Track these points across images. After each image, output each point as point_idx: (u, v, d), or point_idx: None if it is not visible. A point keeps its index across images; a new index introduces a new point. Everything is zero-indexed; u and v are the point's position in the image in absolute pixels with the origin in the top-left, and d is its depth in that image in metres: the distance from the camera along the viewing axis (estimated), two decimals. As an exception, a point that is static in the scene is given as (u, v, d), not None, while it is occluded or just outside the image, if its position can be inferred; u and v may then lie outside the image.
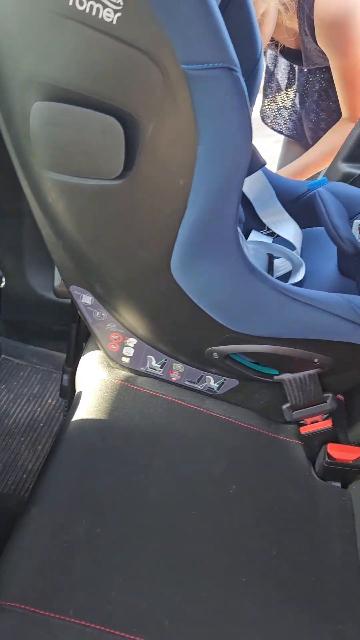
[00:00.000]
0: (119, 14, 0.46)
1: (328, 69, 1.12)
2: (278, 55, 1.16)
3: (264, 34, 1.01)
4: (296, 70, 1.18)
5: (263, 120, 1.35)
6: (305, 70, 1.14)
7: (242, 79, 0.48)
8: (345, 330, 0.62)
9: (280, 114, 1.30)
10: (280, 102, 1.29)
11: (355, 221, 0.76)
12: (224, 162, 0.51)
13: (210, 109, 0.48)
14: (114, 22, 0.46)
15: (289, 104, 1.26)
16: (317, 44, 1.03)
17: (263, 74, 1.21)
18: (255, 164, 0.75)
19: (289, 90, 1.24)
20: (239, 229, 0.70)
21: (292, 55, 1.13)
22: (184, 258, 0.57)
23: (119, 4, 0.46)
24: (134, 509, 0.61)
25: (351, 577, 0.61)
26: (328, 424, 0.73)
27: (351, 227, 0.75)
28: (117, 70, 0.49)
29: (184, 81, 0.47)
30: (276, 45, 1.12)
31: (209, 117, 0.48)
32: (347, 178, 0.97)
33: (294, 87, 1.22)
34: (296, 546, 0.63)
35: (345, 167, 0.98)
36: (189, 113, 0.48)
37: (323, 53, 1.05)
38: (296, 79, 1.20)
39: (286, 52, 1.14)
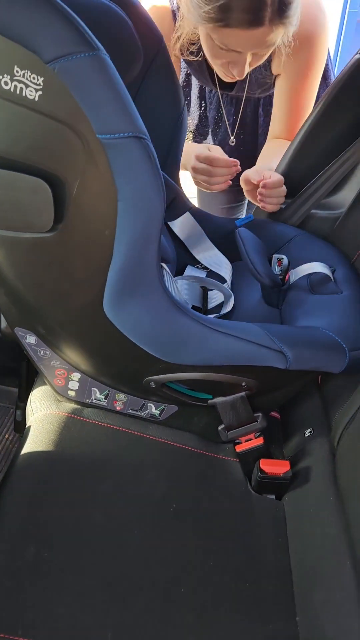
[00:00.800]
0: (40, 92, 0.53)
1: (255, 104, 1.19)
2: (211, 88, 1.16)
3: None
4: (224, 113, 1.25)
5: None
6: (231, 112, 1.22)
7: (150, 145, 0.55)
8: (264, 356, 0.69)
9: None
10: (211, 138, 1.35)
11: (275, 255, 0.84)
12: (141, 215, 0.58)
13: (125, 171, 0.55)
14: (36, 99, 0.53)
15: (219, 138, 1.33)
16: (268, 65, 1.06)
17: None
18: (181, 208, 0.83)
19: (218, 128, 1.30)
20: (166, 268, 0.77)
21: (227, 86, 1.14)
22: (114, 298, 0.64)
23: (39, 84, 0.53)
24: (79, 532, 0.65)
25: (282, 581, 0.67)
26: (260, 441, 0.79)
27: (271, 260, 0.83)
28: (42, 140, 0.56)
29: (102, 148, 0.54)
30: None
31: (125, 177, 0.55)
32: (272, 214, 1.05)
33: (224, 122, 1.28)
34: (232, 556, 0.68)
35: (271, 204, 1.07)
36: (107, 174, 0.55)
37: (265, 77, 1.08)
38: (224, 116, 1.25)
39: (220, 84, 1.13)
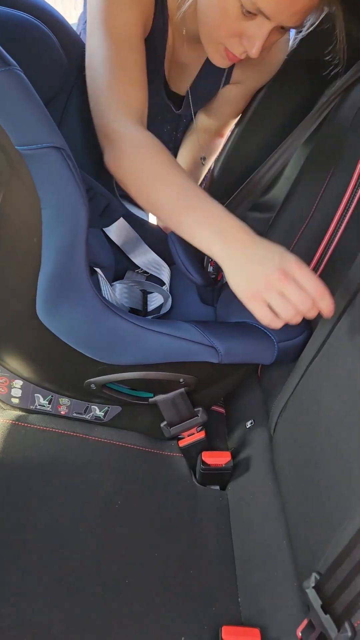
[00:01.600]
0: None
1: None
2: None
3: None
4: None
5: None
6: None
7: (70, 155, 0.57)
8: (197, 351, 0.72)
9: None
10: None
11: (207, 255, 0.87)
12: (66, 222, 0.60)
13: (46, 180, 0.57)
14: None
15: None
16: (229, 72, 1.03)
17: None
18: (115, 215, 0.85)
19: None
20: (100, 272, 0.79)
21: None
22: (47, 304, 0.66)
23: None
24: (24, 534, 0.67)
25: (225, 567, 0.70)
26: (202, 435, 0.82)
27: (205, 262, 0.87)
28: (-35, 153, 0.57)
29: (22, 159, 0.56)
30: None
31: (46, 186, 0.57)
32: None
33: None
34: (177, 546, 0.71)
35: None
36: (30, 184, 0.57)
37: (216, 87, 1.06)
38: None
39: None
